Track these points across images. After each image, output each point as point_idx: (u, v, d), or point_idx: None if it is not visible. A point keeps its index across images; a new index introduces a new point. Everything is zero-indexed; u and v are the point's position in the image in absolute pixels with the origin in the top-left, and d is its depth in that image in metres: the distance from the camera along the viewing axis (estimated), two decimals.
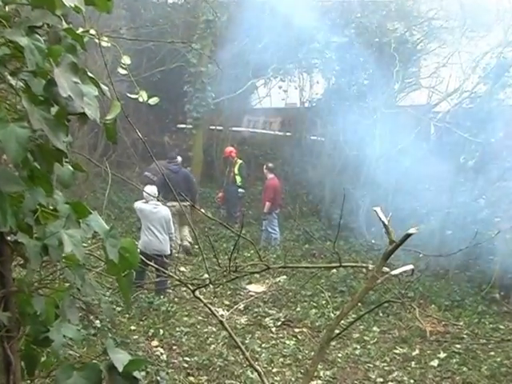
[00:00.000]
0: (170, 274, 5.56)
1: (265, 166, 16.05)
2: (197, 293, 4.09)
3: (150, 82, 16.86)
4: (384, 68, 15.72)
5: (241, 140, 20.17)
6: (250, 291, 11.92)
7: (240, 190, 16.73)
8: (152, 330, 9.41)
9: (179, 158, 14.46)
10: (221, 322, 4.02)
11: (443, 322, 10.63)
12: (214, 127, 19.73)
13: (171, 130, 20.81)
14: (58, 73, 2.26)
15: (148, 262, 4.51)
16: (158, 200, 11.24)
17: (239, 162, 16.86)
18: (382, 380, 8.71)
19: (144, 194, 11.12)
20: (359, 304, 10.14)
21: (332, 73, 17.60)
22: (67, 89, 2.25)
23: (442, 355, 9.47)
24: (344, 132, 16.10)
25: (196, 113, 16.89)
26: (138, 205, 11.22)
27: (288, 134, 20.34)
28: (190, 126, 17.34)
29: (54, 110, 2.35)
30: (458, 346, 9.85)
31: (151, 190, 11.26)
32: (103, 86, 2.64)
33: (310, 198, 18.07)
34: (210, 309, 3.95)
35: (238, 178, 16.76)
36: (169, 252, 11.14)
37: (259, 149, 20.32)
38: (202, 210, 4.67)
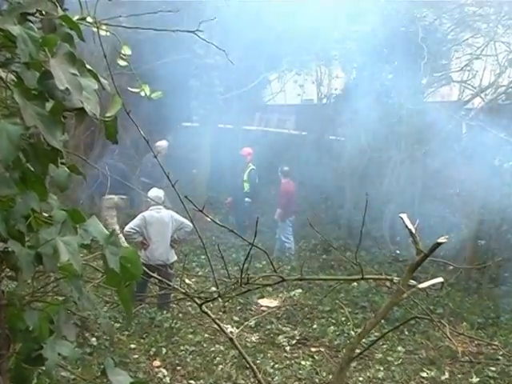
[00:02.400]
0: (175, 286, 5.55)
1: (279, 169, 16.04)
2: (204, 307, 4.09)
3: (152, 76, 16.87)
4: (410, 60, 15.68)
5: (252, 140, 20.17)
6: (261, 306, 11.90)
7: (246, 199, 16.72)
8: (154, 349, 9.42)
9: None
10: (230, 339, 4.02)
11: (476, 342, 10.56)
12: (222, 125, 19.74)
13: (176, 129, 20.84)
14: (54, 64, 2.25)
15: (151, 273, 4.50)
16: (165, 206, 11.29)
17: (251, 167, 16.84)
18: None
19: (150, 199, 11.18)
20: (382, 321, 10.10)
21: (353, 66, 17.61)
22: (64, 81, 2.24)
23: (475, 379, 9.38)
24: (366, 131, 16.07)
25: (203, 109, 16.89)
26: (145, 214, 11.19)
27: (304, 133, 20.32)
28: (196, 124, 17.35)
29: (49, 105, 2.34)
30: (493, 368, 9.76)
31: (156, 194, 11.30)
32: (103, 80, 2.64)
33: (328, 203, 18.06)
34: (218, 325, 3.95)
35: (246, 185, 16.77)
36: (173, 261, 11.16)
37: (272, 149, 20.29)
38: (210, 217, 4.66)
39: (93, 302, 2.77)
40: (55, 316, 2.66)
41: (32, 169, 2.44)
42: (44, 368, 2.60)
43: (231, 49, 16.75)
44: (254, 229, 4.19)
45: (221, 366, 9.13)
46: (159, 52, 17.62)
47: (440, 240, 4.11)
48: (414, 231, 4.23)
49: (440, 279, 4.43)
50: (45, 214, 2.54)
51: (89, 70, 2.50)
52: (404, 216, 4.34)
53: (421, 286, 4.25)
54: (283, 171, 15.82)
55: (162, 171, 3.90)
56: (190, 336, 10.12)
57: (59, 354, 2.61)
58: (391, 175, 15.80)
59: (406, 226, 4.25)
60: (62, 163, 2.59)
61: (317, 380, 9.10)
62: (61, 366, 3.62)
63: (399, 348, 10.36)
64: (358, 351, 4.37)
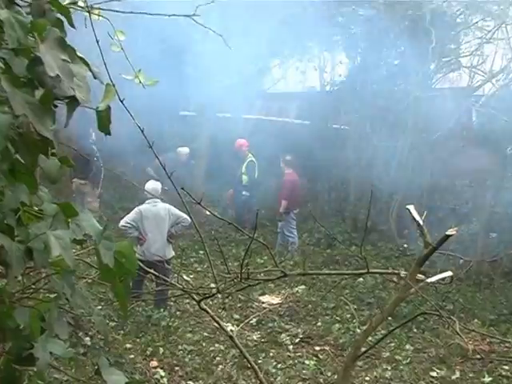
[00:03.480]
0: (172, 282, 5.55)
1: (282, 159, 15.97)
2: (202, 304, 4.10)
3: (149, 62, 16.83)
4: (418, 45, 15.66)
5: (252, 129, 20.15)
6: (263, 303, 11.91)
7: (244, 192, 16.71)
8: (151, 349, 9.42)
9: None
10: (230, 337, 4.03)
11: (488, 339, 10.56)
12: (221, 114, 19.73)
13: (172, 118, 20.82)
14: (44, 50, 2.24)
15: (147, 269, 4.51)
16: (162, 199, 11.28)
17: (250, 158, 16.84)
18: None
19: (147, 192, 11.16)
20: (389, 318, 10.11)
21: (357, 51, 17.59)
22: (55, 67, 2.24)
23: (487, 379, 9.37)
24: (371, 120, 16.08)
25: (201, 98, 16.87)
26: (141, 208, 11.18)
27: (306, 122, 20.29)
28: (194, 113, 17.35)
29: (39, 93, 2.33)
30: (506, 367, 9.76)
31: (153, 186, 11.29)
32: (94, 68, 2.63)
33: (332, 195, 18.09)
34: (217, 322, 3.96)
35: (245, 178, 16.78)
36: (170, 256, 11.17)
37: (273, 139, 20.26)
38: (208, 209, 4.65)
39: (86, 298, 2.78)
40: (46, 313, 2.66)
41: (21, 160, 2.43)
42: (35, 369, 2.61)
43: (230, 34, 16.79)
44: (254, 222, 4.19)
45: (221, 366, 9.14)
46: (155, 38, 17.61)
47: (449, 232, 4.12)
48: (421, 223, 4.23)
49: (449, 273, 4.43)
50: (35, 208, 2.54)
51: (80, 57, 2.49)
52: (411, 207, 4.34)
53: (429, 280, 4.25)
54: (286, 161, 15.74)
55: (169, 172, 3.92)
56: (189, 335, 10.13)
57: (51, 354, 2.61)
58: (398, 165, 15.80)
59: (414, 218, 4.25)
60: (53, 154, 2.58)
61: (321, 380, 9.11)
62: (53, 367, 3.63)
63: (407, 346, 10.35)
64: (363, 349, 4.37)
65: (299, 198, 15.88)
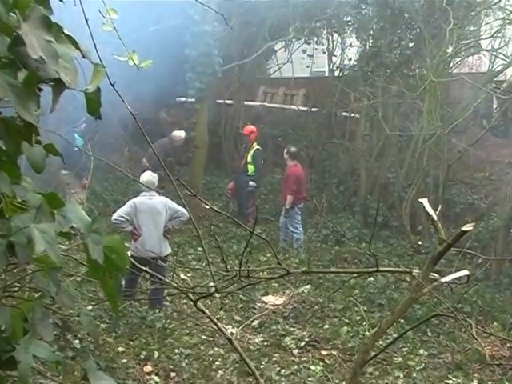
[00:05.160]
0: (168, 281, 5.55)
1: (285, 151, 15.92)
2: (200, 304, 4.09)
3: (142, 44, 16.79)
4: (434, 26, 15.64)
5: (255, 117, 20.15)
6: (266, 304, 11.90)
7: (251, 182, 16.69)
8: (145, 353, 9.41)
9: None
10: (229, 340, 4.02)
11: (508, 345, 10.54)
12: (221, 101, 19.73)
13: (169, 104, 20.82)
14: (27, 29, 2.23)
15: (141, 266, 4.51)
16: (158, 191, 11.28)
17: (255, 147, 16.81)
18: None
19: (142, 184, 11.10)
20: (402, 320, 10.12)
21: (369, 33, 17.56)
22: (38, 48, 2.22)
23: None
24: (384, 107, 16.06)
25: (199, 83, 16.82)
26: (135, 201, 11.15)
27: (314, 109, 20.29)
28: (193, 100, 17.31)
29: (22, 75, 2.32)
30: None
31: (148, 178, 11.26)
32: (83, 47, 2.61)
33: (341, 189, 18.05)
34: (215, 323, 3.95)
35: (251, 168, 16.74)
36: (167, 253, 11.15)
37: (278, 128, 20.30)
38: (207, 203, 4.63)
39: (73, 297, 2.77)
40: (30, 313, 2.65)
41: (3, 147, 2.42)
42: (18, 372, 2.59)
43: (232, 14, 16.75)
44: (258, 217, 4.18)
45: (220, 372, 9.13)
46: (150, 17, 17.57)
47: (465, 228, 4.10)
48: (435, 217, 4.22)
49: (465, 272, 4.42)
50: (18, 199, 2.53)
51: (67, 36, 2.48)
52: (424, 201, 4.33)
53: (443, 279, 4.25)
54: (290, 152, 15.67)
55: (164, 160, 3.91)
56: (186, 338, 10.12)
57: (34, 357, 2.59)
58: (412, 157, 15.79)
59: (427, 212, 4.24)
60: (38, 141, 2.57)
61: None
62: (39, 372, 3.62)
63: (421, 351, 10.33)
64: (373, 353, 4.37)
65: (304, 191, 15.83)
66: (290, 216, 15.38)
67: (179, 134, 16.72)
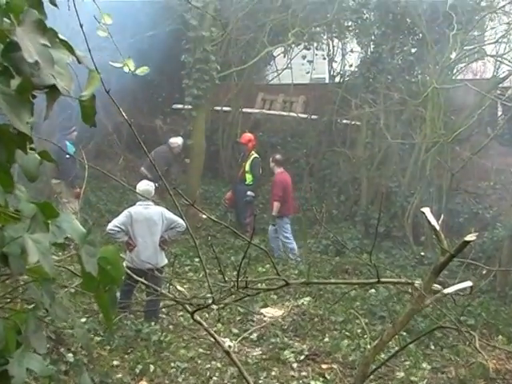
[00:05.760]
0: (164, 292, 5.56)
1: (271, 158, 16.00)
2: (197, 316, 4.10)
3: (138, 50, 16.78)
4: (437, 31, 15.67)
5: (253, 124, 20.17)
6: (265, 316, 11.88)
7: (249, 192, 16.68)
8: (140, 366, 9.37)
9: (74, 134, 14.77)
10: (227, 353, 4.03)
11: None
12: (219, 108, 19.75)
13: (165, 112, 20.86)
14: (21, 33, 2.22)
15: (137, 277, 4.52)
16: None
17: (254, 155, 16.81)
18: None
19: (138, 194, 11.09)
20: (404, 333, 10.11)
21: (370, 38, 17.59)
22: (33, 53, 2.22)
23: None
24: (385, 114, 16.08)
25: (196, 90, 16.84)
26: (131, 210, 11.14)
27: (314, 116, 20.30)
28: (189, 107, 17.33)
29: (15, 82, 2.32)
30: None
31: (145, 187, 11.25)
32: (78, 52, 2.61)
33: (341, 198, 18.06)
34: (213, 336, 3.96)
35: (249, 177, 16.74)
36: (163, 264, 11.13)
37: (277, 136, 20.31)
38: (205, 213, 4.65)
39: (67, 309, 2.77)
40: (23, 325, 2.65)
41: None
42: None
43: (229, 19, 16.79)
44: (257, 227, 4.19)
45: None
46: (146, 23, 17.60)
47: (468, 238, 4.12)
48: (437, 227, 4.23)
49: (469, 283, 4.43)
50: (11, 209, 2.53)
51: (61, 41, 2.48)
52: (426, 210, 4.34)
53: (446, 291, 4.26)
54: (276, 160, 15.77)
55: (162, 169, 3.93)
56: (182, 351, 10.10)
57: (28, 370, 2.59)
58: (415, 165, 15.81)
59: (429, 222, 4.25)
60: (32, 149, 2.58)
61: None
62: None
63: (424, 365, 10.28)
64: (373, 367, 4.37)
65: (292, 200, 15.85)
66: (278, 225, 15.39)
67: (176, 140, 16.67)
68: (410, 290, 9.15)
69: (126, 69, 4.32)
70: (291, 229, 15.66)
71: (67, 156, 13.18)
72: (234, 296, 4.29)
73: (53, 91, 2.38)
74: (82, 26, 3.37)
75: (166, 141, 16.53)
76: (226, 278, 4.24)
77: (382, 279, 4.52)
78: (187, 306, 4.36)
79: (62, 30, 2.55)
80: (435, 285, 4.25)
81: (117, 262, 2.72)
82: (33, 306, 2.76)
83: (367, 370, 4.15)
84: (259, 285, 10.14)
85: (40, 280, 2.58)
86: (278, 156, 15.95)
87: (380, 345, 4.25)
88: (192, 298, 4.49)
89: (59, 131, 14.44)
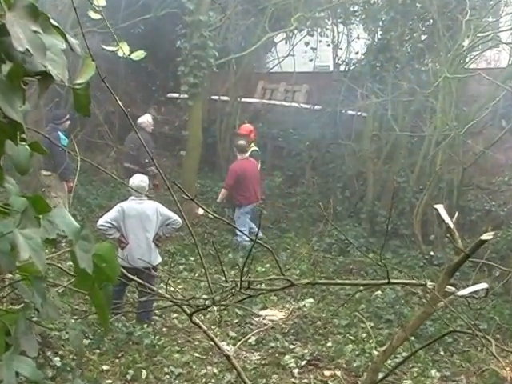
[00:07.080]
0: (160, 292, 5.55)
1: (234, 144, 16.10)
2: (195, 318, 4.10)
3: (131, 35, 16.79)
4: (449, 17, 15.65)
5: (253, 115, 20.16)
6: (264, 319, 11.87)
7: None
8: (131, 372, 9.36)
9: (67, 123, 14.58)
10: (227, 357, 4.03)
11: None
12: (217, 97, 19.74)
13: (159, 101, 20.84)
14: (12, 19, 2.21)
15: (130, 276, 4.52)
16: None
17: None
18: None
19: (132, 189, 11.05)
20: (412, 338, 10.10)
21: (378, 24, 17.57)
22: (24, 40, 2.21)
23: None
24: (393, 105, 16.06)
25: (193, 77, 16.80)
26: (123, 205, 11.11)
27: (317, 107, 20.28)
28: (185, 96, 17.30)
29: (6, 68, 2.32)
30: None
31: (139, 181, 11.22)
32: (71, 39, 2.60)
33: (346, 194, 18.04)
34: (212, 339, 3.96)
35: None
36: (157, 263, 11.11)
37: (278, 127, 20.27)
38: (203, 208, 4.63)
39: (59, 309, 2.77)
40: (12, 326, 2.64)
41: None
42: None
43: (228, 2, 16.77)
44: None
45: None
46: (140, 6, 17.57)
47: (484, 237, 4.11)
48: (451, 225, 4.22)
49: (484, 285, 4.42)
50: (0, 202, 2.53)
51: (54, 27, 2.47)
52: (440, 207, 4.33)
53: (460, 293, 4.25)
54: (236, 145, 15.84)
55: (148, 154, 3.91)
56: (176, 355, 10.09)
57: (17, 374, 2.58)
58: (424, 159, 15.79)
59: (443, 219, 4.24)
60: (23, 139, 2.57)
61: None
62: None
63: (433, 372, 10.25)
64: (381, 374, 4.37)
65: (257, 190, 15.99)
66: (236, 214, 15.45)
67: (144, 119, 16.30)
68: (419, 292, 9.13)
69: (120, 53, 4.29)
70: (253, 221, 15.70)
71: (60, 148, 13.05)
72: (234, 297, 4.28)
73: (45, 78, 2.37)
74: (75, 9, 3.37)
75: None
76: (226, 277, 4.23)
77: (393, 280, 4.52)
78: (185, 308, 4.36)
79: (50, 13, 2.54)
80: (448, 286, 4.24)
81: (112, 259, 2.72)
82: (23, 305, 2.75)
83: (376, 377, 4.15)
84: (260, 286, 10.13)
85: (31, 278, 2.57)
86: (240, 141, 16.04)
87: (389, 350, 4.25)
88: (190, 298, 4.49)
89: (51, 120, 14.25)
